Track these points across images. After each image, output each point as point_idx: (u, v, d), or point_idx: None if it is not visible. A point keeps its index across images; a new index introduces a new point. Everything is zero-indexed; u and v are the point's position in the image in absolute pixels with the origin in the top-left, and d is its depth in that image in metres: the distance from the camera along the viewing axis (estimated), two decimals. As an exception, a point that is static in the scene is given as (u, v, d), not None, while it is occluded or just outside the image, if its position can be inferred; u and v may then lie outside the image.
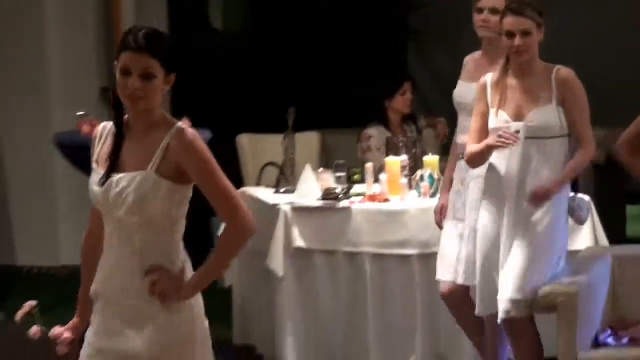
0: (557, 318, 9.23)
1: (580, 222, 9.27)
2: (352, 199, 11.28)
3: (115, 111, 6.16)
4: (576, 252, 10.55)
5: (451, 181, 9.87)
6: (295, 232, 11.10)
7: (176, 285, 6.08)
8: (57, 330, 6.29)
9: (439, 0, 15.48)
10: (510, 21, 8.69)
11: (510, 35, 8.68)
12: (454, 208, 9.75)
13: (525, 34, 8.68)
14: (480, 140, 8.84)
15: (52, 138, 12.08)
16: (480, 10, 9.67)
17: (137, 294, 6.04)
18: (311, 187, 11.30)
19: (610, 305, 9.69)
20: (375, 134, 12.23)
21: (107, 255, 6.15)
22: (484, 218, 9.02)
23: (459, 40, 9.75)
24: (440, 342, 10.66)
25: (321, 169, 11.63)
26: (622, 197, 14.02)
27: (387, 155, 11.67)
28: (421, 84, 11.37)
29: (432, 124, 13.02)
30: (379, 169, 11.57)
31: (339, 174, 11.43)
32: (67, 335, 6.30)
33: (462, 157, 9.58)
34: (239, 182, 12.49)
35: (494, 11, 9.60)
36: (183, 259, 6.17)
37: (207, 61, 15.56)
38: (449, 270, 9.72)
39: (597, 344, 9.42)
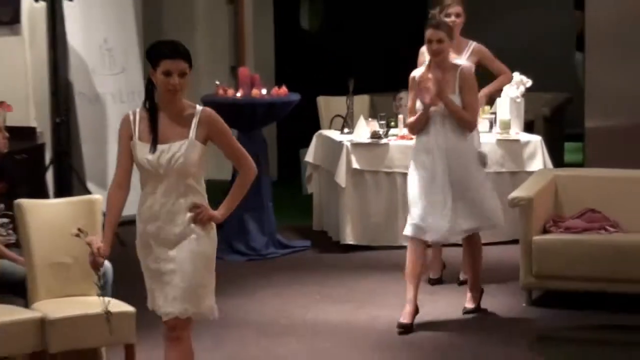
0: (519, 213, 9.26)
1: (484, 166, 8.75)
2: (389, 137, 11.33)
3: (150, 100, 6.08)
4: (532, 172, 10.66)
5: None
6: (353, 159, 11.11)
7: (212, 213, 6.10)
8: (98, 243, 6.09)
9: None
10: (430, 32, 8.43)
11: (430, 42, 8.43)
12: None
13: (440, 41, 8.40)
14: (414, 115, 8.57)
15: (200, 98, 12.17)
16: (449, 15, 9.67)
17: (182, 223, 6.02)
18: (363, 130, 11.32)
19: (553, 206, 9.69)
20: (404, 96, 12.24)
21: (150, 202, 6.06)
22: (421, 170, 8.59)
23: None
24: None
25: (370, 119, 11.64)
26: (562, 137, 13.99)
27: (412, 110, 11.79)
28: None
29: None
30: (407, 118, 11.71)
31: (381, 122, 11.35)
32: (103, 249, 6.09)
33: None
34: (317, 127, 12.56)
35: (457, 15, 9.77)
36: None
37: (298, 50, 15.65)
38: None
39: (544, 231, 9.37)
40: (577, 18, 14.64)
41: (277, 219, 11.40)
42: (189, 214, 6.04)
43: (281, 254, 11.12)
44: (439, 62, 8.46)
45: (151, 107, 6.07)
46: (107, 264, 7.75)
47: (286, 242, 11.38)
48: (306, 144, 12.13)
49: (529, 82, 10.68)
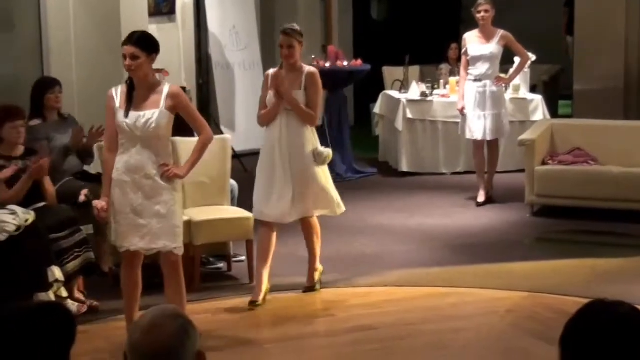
0: (526, 150, 9.24)
1: (321, 164, 6.77)
2: (433, 96, 11.20)
3: (130, 79, 5.56)
4: (535, 121, 10.57)
5: (463, 96, 9.60)
6: (407, 111, 10.99)
7: (176, 171, 5.60)
8: (100, 203, 5.60)
9: None
10: (282, 38, 6.67)
11: (282, 47, 6.65)
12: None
13: (290, 47, 6.59)
14: (265, 109, 6.68)
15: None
16: (479, 12, 9.47)
17: (154, 177, 5.51)
18: (415, 90, 11.22)
19: (550, 145, 9.53)
20: (444, 68, 12.14)
21: (127, 158, 5.53)
22: (264, 161, 6.71)
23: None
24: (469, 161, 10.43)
25: (420, 83, 11.52)
26: (557, 96, 13.86)
27: (449, 76, 11.65)
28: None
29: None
30: (446, 83, 11.59)
31: (427, 85, 11.29)
32: (105, 206, 5.60)
33: (477, 80, 9.49)
34: (382, 88, 12.46)
35: (486, 11, 9.47)
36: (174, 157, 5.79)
37: (370, 33, 15.52)
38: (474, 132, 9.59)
39: (543, 163, 9.27)
40: (565, 12, 14.49)
41: (354, 153, 11.37)
42: (158, 170, 5.57)
43: (357, 178, 11.06)
44: (290, 64, 6.70)
45: (130, 83, 5.60)
46: (233, 182, 7.75)
47: (360, 169, 11.31)
48: (374, 100, 12.17)
49: (533, 57, 10.50)
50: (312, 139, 6.71)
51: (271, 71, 6.82)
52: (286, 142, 6.63)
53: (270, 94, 6.64)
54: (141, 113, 5.53)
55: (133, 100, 5.56)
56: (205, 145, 5.77)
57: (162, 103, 5.55)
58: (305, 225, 6.91)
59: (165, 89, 5.61)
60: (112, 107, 5.59)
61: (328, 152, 6.80)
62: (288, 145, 6.63)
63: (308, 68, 6.76)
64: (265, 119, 6.68)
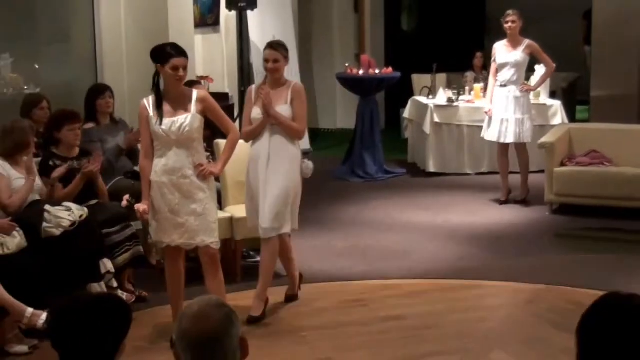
0: (546, 153, 9.18)
1: (305, 176, 6.35)
2: (459, 102, 11.14)
3: (157, 88, 5.54)
4: (554, 125, 10.52)
5: (491, 100, 9.47)
6: (435, 116, 10.94)
7: (212, 170, 5.62)
8: (142, 206, 5.64)
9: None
10: (267, 52, 6.25)
11: (267, 61, 6.23)
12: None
13: (276, 61, 6.18)
14: (251, 124, 6.24)
15: (335, 74, 12.07)
16: (507, 22, 9.37)
17: (190, 177, 5.54)
18: (442, 96, 11.17)
19: (568, 148, 9.46)
20: (469, 75, 12.09)
21: (165, 161, 5.54)
22: (250, 178, 6.29)
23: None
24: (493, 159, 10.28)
25: (446, 89, 11.49)
26: (575, 101, 13.78)
27: (474, 83, 11.59)
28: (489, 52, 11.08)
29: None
30: (471, 90, 11.53)
31: (454, 91, 11.25)
32: (146, 208, 5.61)
33: (503, 85, 9.38)
34: (411, 94, 12.43)
35: (513, 22, 9.37)
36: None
37: (400, 43, 15.45)
38: (494, 133, 9.50)
39: (561, 164, 9.21)
40: (583, 24, 14.38)
41: (384, 154, 11.34)
42: (194, 170, 5.58)
43: (387, 178, 11.05)
44: (275, 79, 6.29)
45: (157, 92, 5.56)
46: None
47: (390, 169, 11.28)
48: (404, 105, 12.13)
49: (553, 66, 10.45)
50: (296, 154, 6.31)
51: (254, 86, 6.50)
52: (271, 156, 6.22)
53: (256, 110, 6.26)
54: (174, 119, 5.53)
55: (165, 108, 5.57)
56: (235, 144, 5.78)
57: (193, 107, 5.56)
58: (266, 243, 6.37)
59: (194, 94, 5.62)
60: (146, 116, 5.58)
61: (312, 166, 6.41)
62: (273, 160, 6.21)
63: (294, 82, 6.40)
64: (251, 136, 6.30)
